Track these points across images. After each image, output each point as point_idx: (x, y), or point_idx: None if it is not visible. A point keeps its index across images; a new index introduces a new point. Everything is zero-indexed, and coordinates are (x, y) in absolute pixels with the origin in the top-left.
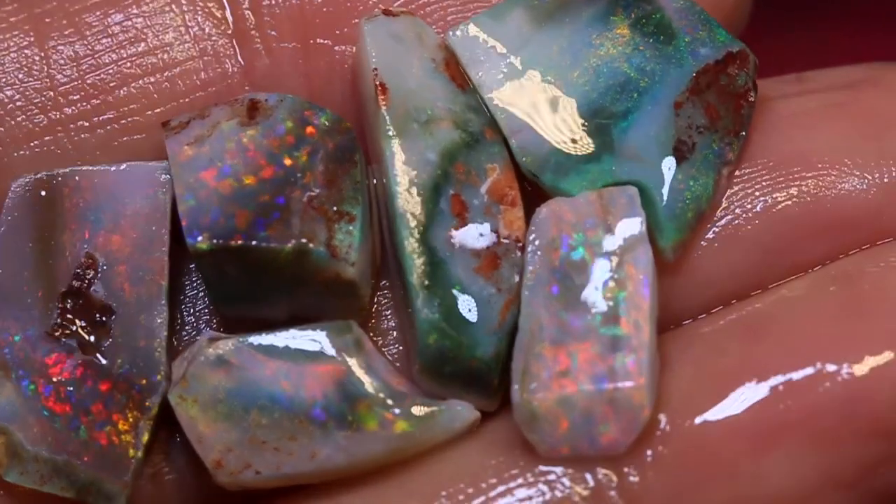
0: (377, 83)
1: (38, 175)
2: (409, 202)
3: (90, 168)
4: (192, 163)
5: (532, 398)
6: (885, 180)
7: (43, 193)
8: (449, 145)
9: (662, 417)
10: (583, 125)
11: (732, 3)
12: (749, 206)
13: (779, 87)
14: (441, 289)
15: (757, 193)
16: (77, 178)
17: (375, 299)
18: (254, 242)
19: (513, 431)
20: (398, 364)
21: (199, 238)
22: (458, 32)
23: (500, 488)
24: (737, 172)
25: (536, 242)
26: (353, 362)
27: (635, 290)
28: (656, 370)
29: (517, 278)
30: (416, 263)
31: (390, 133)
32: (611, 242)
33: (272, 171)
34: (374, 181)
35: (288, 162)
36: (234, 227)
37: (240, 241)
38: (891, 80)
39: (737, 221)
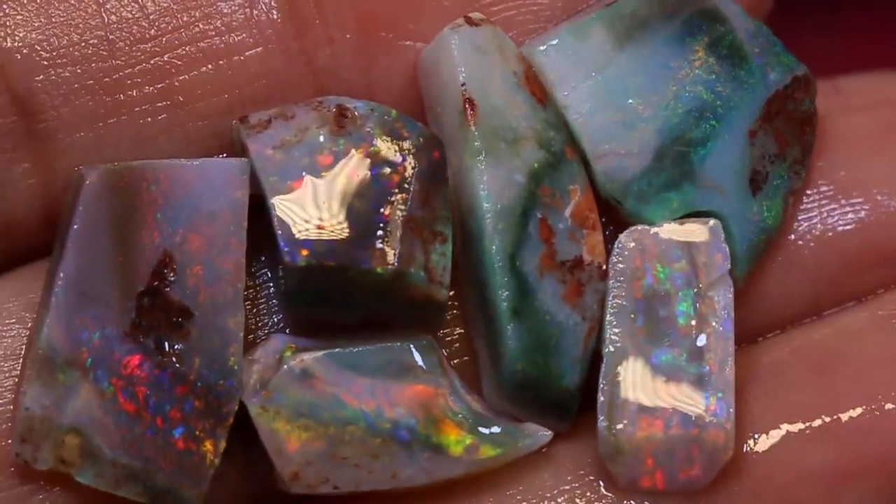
0: (466, 98)
1: (116, 166)
2: (498, 226)
3: (168, 162)
4: (284, 170)
5: (619, 433)
6: None
7: (121, 186)
8: (535, 166)
9: (739, 454)
10: (663, 152)
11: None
12: (807, 234)
13: (820, 101)
14: (531, 317)
15: (815, 221)
16: (155, 171)
17: None
18: (352, 264)
19: (583, 455)
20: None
21: (298, 258)
22: (543, 48)
23: None
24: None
25: (619, 268)
26: (440, 383)
27: (719, 326)
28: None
29: (598, 306)
30: (506, 290)
31: (478, 151)
32: (695, 276)
33: (367, 186)
34: None
35: (384, 178)
36: (333, 245)
37: (338, 262)
38: None
39: (794, 248)
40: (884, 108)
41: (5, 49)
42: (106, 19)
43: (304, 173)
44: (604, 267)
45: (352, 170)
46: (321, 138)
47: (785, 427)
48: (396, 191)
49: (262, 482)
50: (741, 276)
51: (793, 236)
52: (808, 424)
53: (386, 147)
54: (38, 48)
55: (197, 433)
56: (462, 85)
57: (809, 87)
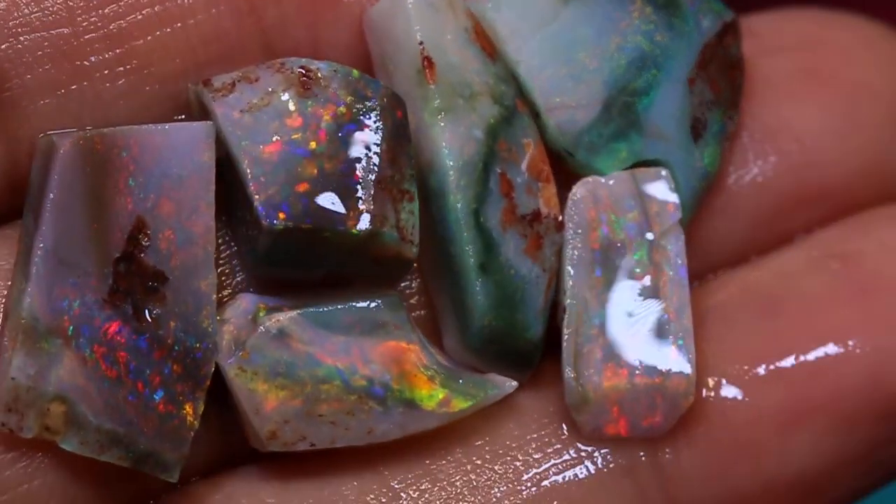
0: (425, 56)
1: (88, 133)
2: (460, 182)
3: (137, 128)
4: (254, 133)
5: (587, 384)
6: (861, 150)
7: (94, 154)
8: (492, 121)
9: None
10: (610, 103)
11: None
12: (739, 178)
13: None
14: (497, 272)
15: (747, 165)
16: (126, 137)
17: None
18: (328, 225)
19: (546, 404)
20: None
21: (276, 221)
22: (491, 4)
23: (546, 464)
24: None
25: (575, 220)
26: (410, 338)
27: (674, 273)
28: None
29: (555, 258)
30: (472, 246)
31: (438, 110)
32: (647, 226)
33: (337, 147)
34: None
35: (353, 140)
36: (308, 207)
37: (315, 224)
38: (840, 39)
39: (727, 192)
40: (800, 51)
41: None
42: None
43: (275, 136)
44: (559, 218)
45: (321, 132)
46: (288, 101)
47: (735, 370)
48: (366, 151)
49: (234, 442)
50: (686, 221)
51: (727, 180)
52: (757, 367)
53: (352, 108)
54: (0, 17)
55: (177, 396)
56: (420, 44)
57: (737, 33)
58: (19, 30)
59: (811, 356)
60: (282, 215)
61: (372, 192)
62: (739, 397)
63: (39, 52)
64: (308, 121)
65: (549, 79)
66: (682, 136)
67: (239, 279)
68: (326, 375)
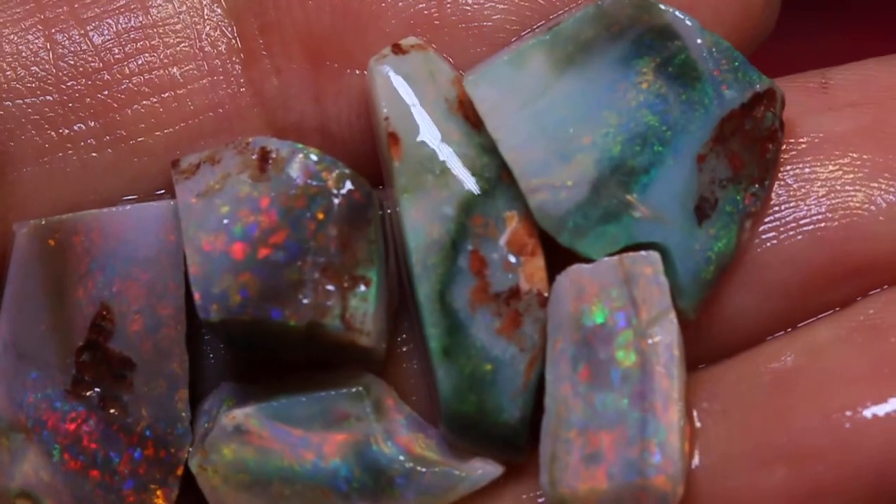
0: (389, 132)
1: (44, 221)
2: (426, 262)
3: (98, 212)
4: (202, 220)
5: (562, 487)
6: None
7: (51, 242)
8: (465, 196)
9: (695, 487)
10: (602, 182)
11: (761, 4)
12: (768, 249)
13: (803, 96)
14: (462, 355)
15: (774, 235)
16: (85, 223)
17: (399, 336)
18: (265, 316)
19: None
20: (424, 409)
21: (211, 313)
22: (473, 78)
23: None
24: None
25: (558, 313)
26: (372, 429)
27: (662, 367)
28: (685, 441)
29: (539, 335)
30: (437, 328)
31: (403, 188)
32: (634, 314)
33: (284, 235)
34: (390, 211)
35: (301, 226)
36: (247, 298)
37: (251, 316)
38: None
39: (755, 264)
40: (862, 108)
41: None
42: (53, 52)
43: (222, 223)
44: (545, 294)
45: (269, 218)
46: (241, 185)
47: (740, 451)
48: (312, 239)
49: None
50: (691, 307)
51: (759, 252)
52: (762, 447)
53: (304, 192)
54: None
55: (148, 484)
56: (385, 119)
57: (773, 102)
58: (3, 95)
59: (819, 436)
60: (215, 307)
61: (314, 282)
62: (740, 481)
63: (23, 119)
64: (257, 206)
65: (530, 158)
66: (683, 217)
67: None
68: (288, 471)
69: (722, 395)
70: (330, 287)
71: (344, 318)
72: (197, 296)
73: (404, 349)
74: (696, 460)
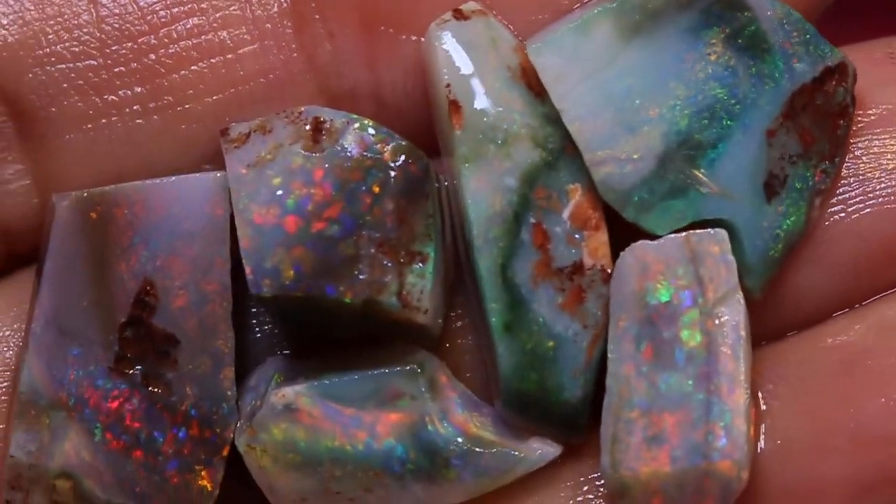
0: (450, 99)
1: (86, 193)
2: (488, 234)
3: (142, 183)
4: (254, 192)
5: (623, 469)
6: None
7: (93, 215)
8: (529, 167)
9: (755, 467)
10: (669, 156)
11: None
12: (835, 225)
13: (869, 66)
14: (524, 331)
15: (843, 210)
16: (128, 195)
17: (453, 311)
18: (319, 294)
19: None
20: (478, 387)
21: (263, 288)
22: (537, 46)
23: None
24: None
25: (622, 291)
26: (427, 409)
27: (728, 348)
28: (750, 424)
29: (602, 312)
30: (498, 303)
31: (464, 158)
32: (701, 293)
33: (339, 209)
34: (447, 182)
35: (356, 199)
36: (300, 274)
37: (305, 292)
38: None
39: (825, 240)
40: None
41: None
42: (96, 14)
43: (275, 195)
44: (608, 270)
45: (323, 191)
46: (294, 155)
47: (805, 436)
48: (368, 213)
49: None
50: (757, 286)
51: (827, 230)
52: (828, 432)
53: (360, 164)
54: (27, 45)
55: (192, 465)
56: (447, 86)
57: (844, 76)
58: (46, 59)
59: (888, 421)
60: (267, 282)
61: (371, 258)
62: (804, 465)
63: (65, 84)
64: (311, 178)
65: (595, 129)
66: (752, 194)
67: (277, 331)
68: (339, 451)
69: (787, 376)
70: (386, 263)
71: (401, 295)
72: (248, 270)
73: (458, 324)
74: (760, 444)
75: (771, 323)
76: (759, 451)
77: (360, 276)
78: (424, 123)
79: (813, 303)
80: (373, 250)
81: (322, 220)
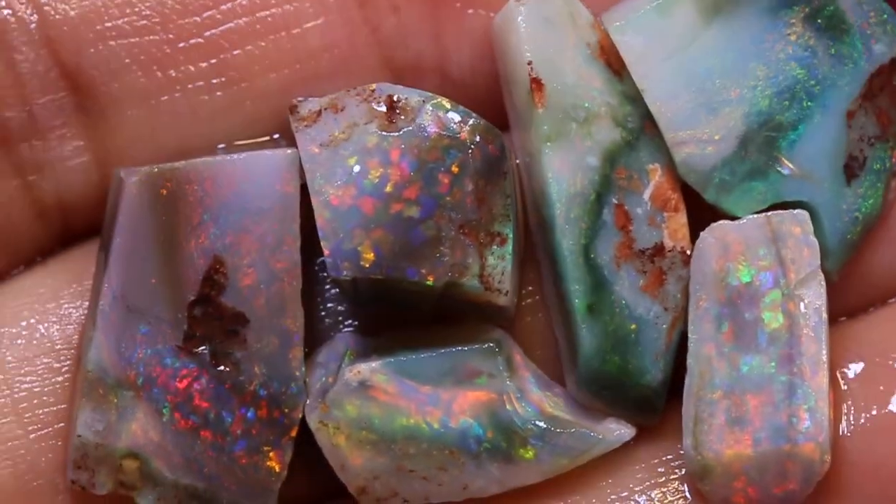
0: (532, 77)
1: (157, 169)
2: (570, 215)
3: (212, 160)
4: (329, 172)
5: (706, 451)
6: None
7: (163, 191)
8: (610, 146)
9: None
10: (750, 137)
11: None
12: None
13: None
14: (606, 313)
15: None
16: (199, 171)
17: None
18: (400, 275)
19: (674, 451)
20: (547, 366)
21: (343, 271)
22: (619, 24)
23: None
24: None
25: (702, 271)
26: (505, 388)
27: (810, 330)
28: (830, 405)
29: (682, 294)
30: (580, 284)
31: (546, 137)
32: (782, 274)
33: (418, 189)
34: (519, 160)
35: (435, 179)
36: (380, 257)
37: (385, 275)
38: None
39: None
40: None
41: (54, 21)
42: None
43: (350, 175)
44: (688, 252)
45: (401, 172)
46: (369, 135)
47: (887, 415)
48: (448, 194)
49: (336, 483)
50: (834, 268)
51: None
52: None
53: (437, 144)
54: (88, 20)
55: (261, 446)
56: (528, 63)
57: None
58: (108, 34)
59: None
60: (347, 265)
61: (452, 239)
62: (888, 449)
63: (128, 59)
64: (388, 158)
65: (677, 109)
66: (832, 175)
67: (342, 308)
68: (414, 429)
69: (866, 356)
70: (468, 244)
71: (482, 276)
72: (327, 252)
73: (528, 301)
74: (840, 423)
75: (845, 302)
76: (840, 432)
77: (443, 259)
78: (490, 97)
79: (887, 281)
80: (454, 232)
81: (401, 201)
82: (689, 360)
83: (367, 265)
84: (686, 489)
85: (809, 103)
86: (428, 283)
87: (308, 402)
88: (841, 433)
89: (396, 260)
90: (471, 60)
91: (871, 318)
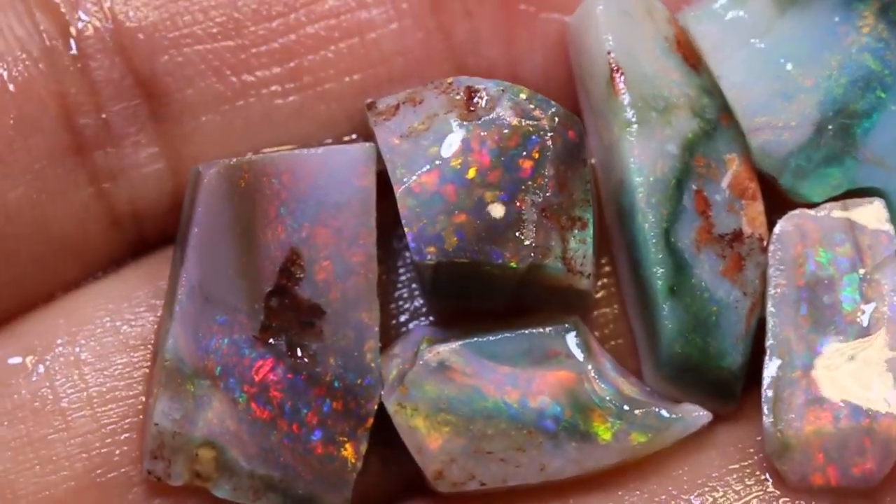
0: (613, 66)
1: (234, 162)
2: (651, 200)
3: (289, 153)
4: (410, 161)
5: (786, 429)
6: None
7: (241, 183)
8: (689, 135)
9: None
10: (825, 124)
11: None
12: None
13: None
14: (688, 295)
15: None
16: (276, 164)
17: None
18: (485, 259)
19: (746, 439)
20: (621, 358)
21: (427, 255)
22: (696, 14)
23: (749, 494)
24: None
25: (779, 257)
26: (583, 367)
27: (888, 310)
28: None
29: (759, 281)
30: (661, 267)
31: (628, 122)
32: (859, 259)
33: (499, 174)
34: (595, 161)
35: (516, 164)
36: (464, 241)
37: (470, 258)
38: None
39: None
40: None
41: (128, 28)
42: None
43: (431, 163)
44: (764, 240)
45: (482, 159)
46: (449, 124)
47: None
48: (530, 179)
49: (408, 479)
50: None
51: None
52: None
53: (517, 131)
54: (162, 27)
55: (336, 437)
56: (608, 53)
57: None
58: (182, 41)
59: None
60: (432, 249)
61: (535, 223)
62: None
63: (203, 66)
64: (469, 146)
65: (754, 97)
66: None
67: (418, 304)
68: (493, 409)
69: None
70: (550, 228)
71: (565, 259)
72: (410, 237)
73: (602, 294)
74: None
75: None
76: None
77: (526, 242)
78: (564, 102)
79: None
80: (536, 216)
81: (483, 186)
82: (768, 342)
83: (451, 249)
84: (765, 474)
85: (882, 94)
86: (512, 265)
87: (384, 390)
88: None
89: (480, 243)
90: (543, 65)
91: None
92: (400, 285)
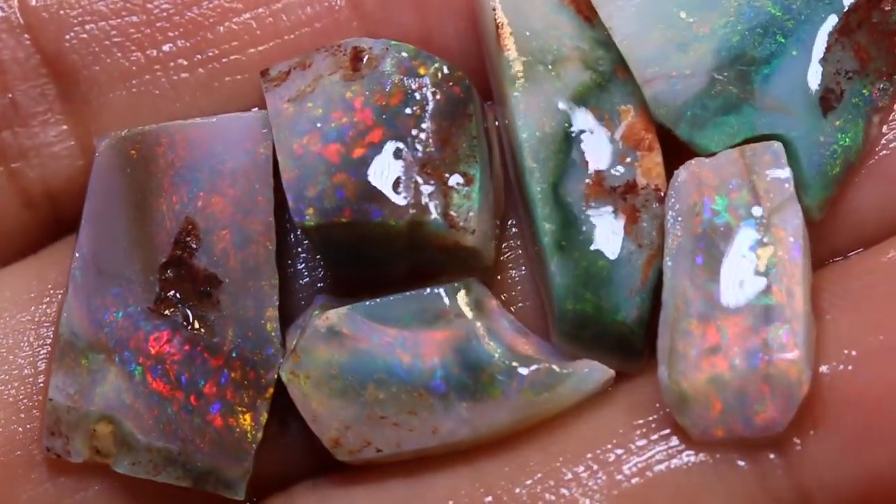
0: (497, 22)
1: (127, 133)
2: (537, 155)
3: (183, 122)
4: (294, 124)
5: (681, 379)
6: None
7: (134, 153)
8: (579, 88)
9: (821, 380)
10: (721, 72)
11: None
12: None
13: None
14: (577, 250)
15: None
16: (170, 134)
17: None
18: (363, 218)
19: (655, 392)
20: (529, 319)
21: (307, 216)
22: None
23: (652, 450)
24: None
25: (676, 208)
26: (472, 326)
27: (786, 254)
28: (812, 335)
29: (657, 232)
30: (549, 223)
31: (514, 78)
32: (756, 204)
33: (381, 132)
34: (498, 123)
35: (397, 122)
36: (343, 200)
37: (349, 217)
38: None
39: (886, 161)
40: None
41: (32, 8)
42: None
43: (315, 125)
44: (663, 191)
45: (364, 117)
46: (334, 85)
47: (872, 346)
48: (410, 135)
49: (320, 452)
50: (816, 204)
51: (889, 145)
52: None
53: (399, 88)
54: (66, 5)
55: (235, 407)
56: (493, 10)
57: None
58: (86, 18)
59: None
60: (311, 211)
61: (414, 179)
62: (873, 377)
63: (107, 42)
64: (351, 105)
65: (647, 47)
66: (807, 108)
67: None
68: (384, 373)
69: (853, 289)
70: (431, 184)
71: (447, 215)
72: (290, 200)
73: (509, 255)
74: (825, 356)
75: (833, 244)
76: (829, 365)
77: (404, 198)
78: (477, 68)
79: (874, 223)
80: (415, 172)
81: (363, 145)
82: (665, 294)
83: (331, 209)
84: (668, 429)
85: (782, 38)
86: (391, 223)
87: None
88: (829, 365)
89: (359, 202)
90: (455, 30)
91: (858, 256)
92: (308, 258)
